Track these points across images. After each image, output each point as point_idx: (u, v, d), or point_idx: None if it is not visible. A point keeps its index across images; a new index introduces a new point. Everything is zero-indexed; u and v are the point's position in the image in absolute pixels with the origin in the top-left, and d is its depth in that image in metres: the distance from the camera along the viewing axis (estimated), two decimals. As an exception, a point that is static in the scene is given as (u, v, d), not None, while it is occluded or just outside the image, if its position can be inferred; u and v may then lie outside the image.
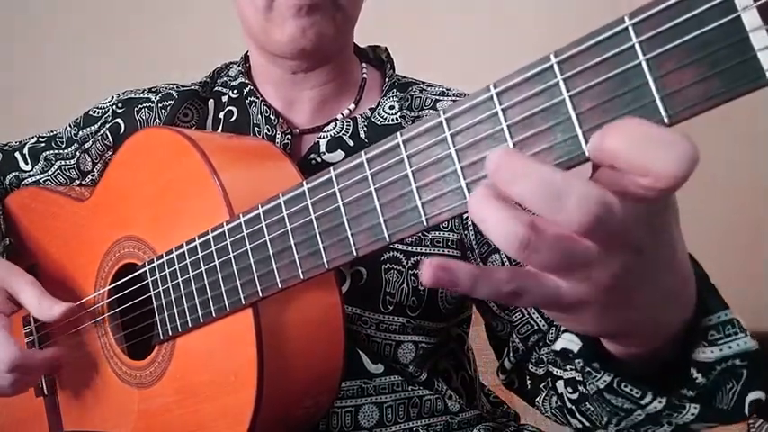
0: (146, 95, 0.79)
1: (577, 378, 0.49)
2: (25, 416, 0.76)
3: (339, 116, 0.73)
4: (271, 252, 0.47)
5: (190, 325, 0.55)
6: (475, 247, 0.69)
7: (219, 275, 0.52)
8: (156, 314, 0.58)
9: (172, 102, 0.77)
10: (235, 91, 0.76)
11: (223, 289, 0.52)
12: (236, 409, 0.53)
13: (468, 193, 0.35)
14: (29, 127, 0.89)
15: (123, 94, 0.81)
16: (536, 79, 0.32)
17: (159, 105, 0.77)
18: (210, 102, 0.78)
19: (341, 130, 0.71)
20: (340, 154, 0.70)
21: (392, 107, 0.73)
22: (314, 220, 0.43)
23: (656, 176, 0.27)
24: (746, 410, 0.41)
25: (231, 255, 0.50)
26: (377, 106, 0.73)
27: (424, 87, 0.77)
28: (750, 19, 0.26)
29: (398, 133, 0.38)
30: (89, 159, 0.81)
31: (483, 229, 0.30)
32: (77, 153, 0.81)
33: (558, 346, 0.45)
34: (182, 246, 0.55)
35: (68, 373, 0.71)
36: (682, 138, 0.27)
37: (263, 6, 0.65)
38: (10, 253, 0.77)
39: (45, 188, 0.79)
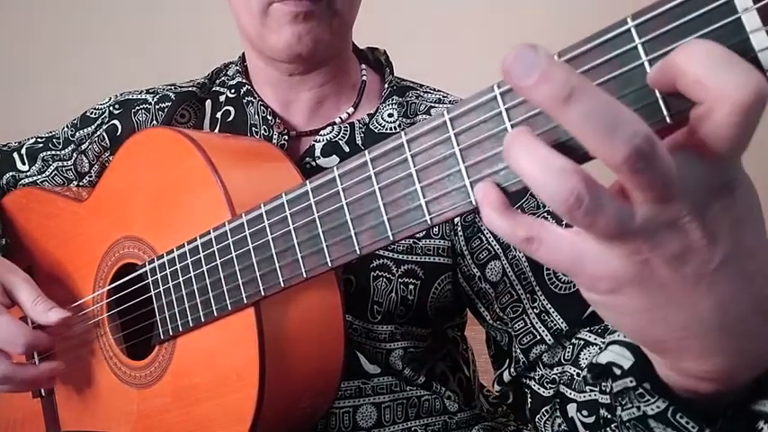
0: (143, 96, 0.79)
1: (601, 400, 0.45)
2: (22, 416, 0.76)
3: (337, 120, 0.73)
4: (273, 251, 0.47)
5: (191, 324, 0.55)
6: (466, 253, 0.68)
7: (221, 275, 0.52)
8: (157, 314, 0.58)
9: (169, 103, 0.77)
10: (232, 91, 0.76)
11: (225, 288, 0.52)
12: (237, 408, 0.53)
13: (473, 192, 0.36)
14: (29, 127, 0.89)
15: (120, 95, 0.81)
16: (540, 79, 0.33)
17: (156, 107, 0.77)
18: (208, 102, 0.78)
19: (337, 135, 0.71)
20: (335, 159, 0.70)
21: (391, 115, 0.72)
22: (317, 219, 0.44)
23: (719, 98, 0.24)
24: None
25: (233, 254, 0.50)
26: (375, 112, 0.73)
27: (421, 93, 0.76)
28: (750, 21, 0.27)
29: (402, 132, 0.38)
30: (86, 160, 0.81)
31: (527, 182, 0.27)
32: (74, 154, 0.81)
33: (603, 359, 0.40)
34: (183, 245, 0.55)
35: (67, 373, 0.70)
36: (754, 68, 0.25)
37: (258, 12, 0.65)
38: (7, 253, 0.77)
39: (42, 188, 0.79)
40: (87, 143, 0.80)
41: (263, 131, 0.72)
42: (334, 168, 0.42)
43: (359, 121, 0.72)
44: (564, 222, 0.53)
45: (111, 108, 0.80)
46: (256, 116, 0.73)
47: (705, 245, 0.28)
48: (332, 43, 0.68)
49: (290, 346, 0.53)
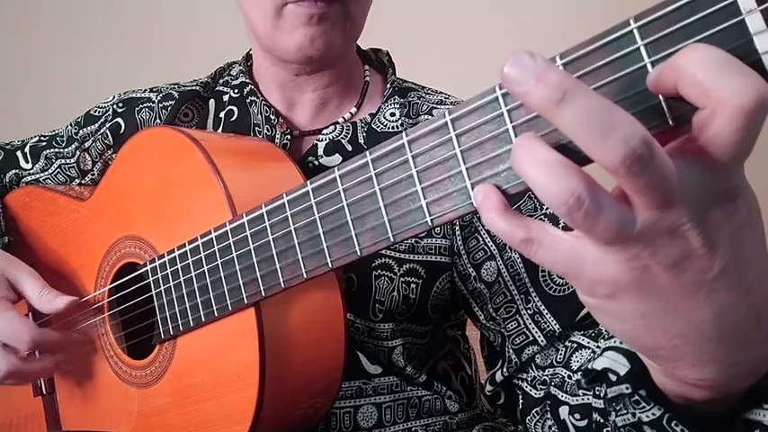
0: (147, 95, 0.79)
1: (595, 405, 0.45)
2: (23, 415, 0.76)
3: (340, 119, 0.73)
4: (274, 251, 0.47)
5: (191, 324, 0.55)
6: (463, 252, 0.68)
7: (222, 275, 0.52)
8: (158, 313, 0.58)
9: (172, 102, 0.77)
10: (236, 90, 0.76)
11: (225, 288, 0.52)
12: (237, 408, 0.53)
13: (473, 193, 0.35)
14: (28, 127, 0.89)
15: (124, 93, 0.81)
16: (542, 81, 0.32)
17: (160, 105, 0.77)
18: (211, 101, 0.78)
19: (340, 134, 0.71)
20: (338, 158, 0.70)
21: (393, 114, 0.72)
22: (318, 220, 0.44)
23: (720, 103, 0.24)
24: None
25: (234, 254, 0.50)
26: (377, 112, 0.73)
27: (423, 94, 0.76)
28: (754, 22, 0.27)
29: (404, 133, 0.38)
30: (89, 158, 0.81)
31: (529, 183, 0.27)
32: (77, 152, 0.81)
33: (598, 364, 0.40)
34: (184, 245, 0.55)
35: (68, 372, 0.71)
36: (756, 73, 0.25)
37: (271, 12, 0.64)
38: (9, 251, 0.77)
39: (45, 187, 0.79)
40: (90, 141, 0.80)
41: (265, 131, 0.72)
42: (335, 169, 0.42)
43: (361, 120, 0.72)
44: (562, 224, 0.53)
45: (114, 106, 0.80)
46: (259, 116, 0.73)
47: (705, 253, 0.28)
48: (343, 46, 0.68)
49: (290, 347, 0.53)
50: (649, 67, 0.29)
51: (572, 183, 0.26)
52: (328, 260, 0.44)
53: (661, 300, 0.29)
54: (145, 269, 0.59)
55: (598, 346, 0.54)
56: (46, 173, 0.82)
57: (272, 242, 0.47)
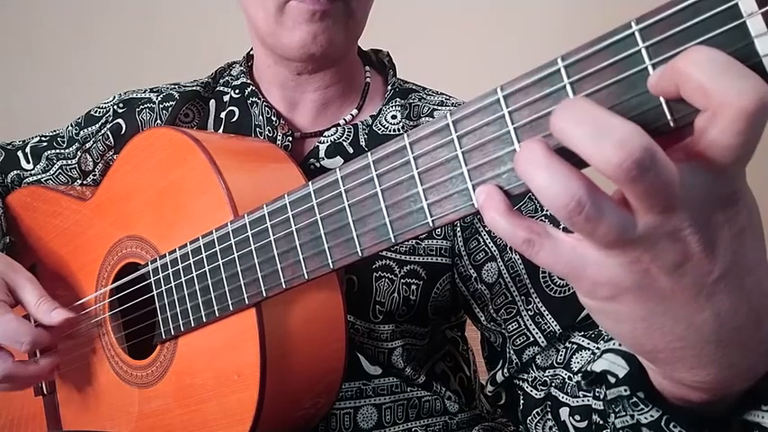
0: (147, 95, 0.79)
1: (594, 406, 0.45)
2: (24, 415, 0.76)
3: (341, 121, 0.73)
4: (276, 252, 0.47)
5: (192, 325, 0.55)
6: (464, 254, 0.68)
7: (223, 275, 0.52)
8: (159, 314, 0.58)
9: (173, 102, 0.77)
10: (237, 91, 0.76)
11: (227, 289, 0.52)
12: (238, 408, 0.53)
13: (475, 194, 0.36)
14: (29, 127, 0.89)
15: (125, 93, 0.81)
16: (543, 82, 0.33)
17: (161, 106, 0.77)
18: (212, 102, 0.78)
19: (341, 136, 0.71)
20: (339, 160, 0.70)
21: (394, 116, 0.72)
22: (319, 221, 0.44)
23: (722, 105, 0.24)
24: None
25: (235, 255, 0.51)
26: (378, 114, 0.73)
27: (424, 96, 0.76)
28: (755, 25, 0.27)
29: (405, 135, 0.38)
30: (90, 159, 0.81)
31: (531, 186, 0.27)
32: (78, 153, 0.81)
33: (597, 366, 0.40)
34: (185, 245, 0.55)
35: (68, 372, 0.71)
36: (757, 75, 0.25)
37: (274, 9, 0.64)
38: (11, 251, 0.77)
39: (46, 187, 0.79)
40: (92, 142, 0.80)
41: (267, 132, 0.72)
42: (337, 170, 0.42)
43: (362, 122, 0.72)
44: (563, 226, 0.53)
45: (115, 107, 0.80)
46: (261, 117, 0.73)
47: (705, 257, 0.28)
48: (344, 44, 0.68)
49: (291, 347, 0.54)
50: (650, 69, 0.29)
51: (572, 186, 0.27)
52: (329, 261, 0.44)
53: (661, 303, 0.29)
54: (146, 269, 0.59)
55: (598, 348, 0.54)
56: (47, 173, 0.82)
57: (273, 243, 0.47)
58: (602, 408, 0.43)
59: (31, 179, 0.83)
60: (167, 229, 0.59)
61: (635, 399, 0.37)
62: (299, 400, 0.57)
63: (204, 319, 0.54)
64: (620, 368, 0.39)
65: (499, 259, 0.65)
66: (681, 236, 0.28)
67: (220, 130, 0.75)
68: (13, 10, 1.35)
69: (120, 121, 0.79)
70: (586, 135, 0.26)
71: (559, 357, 0.58)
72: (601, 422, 0.44)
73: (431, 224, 0.37)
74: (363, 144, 0.71)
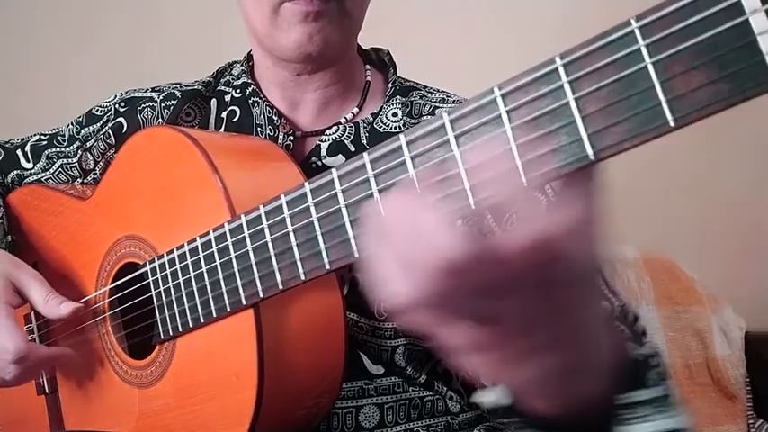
0: (149, 95, 0.79)
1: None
2: (27, 414, 0.76)
3: (342, 120, 0.73)
4: (272, 253, 0.47)
5: (190, 325, 0.55)
6: None
7: (221, 275, 0.51)
8: (157, 314, 0.58)
9: (175, 101, 0.77)
10: (238, 90, 0.76)
11: (224, 289, 0.51)
12: (236, 409, 0.53)
13: (472, 194, 0.35)
14: (28, 127, 0.89)
15: (126, 93, 0.81)
16: (541, 81, 0.32)
17: (162, 105, 0.77)
18: (213, 101, 0.78)
19: (342, 135, 0.71)
20: (341, 159, 0.69)
21: (395, 114, 0.72)
22: (316, 222, 0.43)
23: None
24: None
25: (232, 255, 0.50)
26: (379, 112, 0.73)
27: (425, 93, 0.76)
28: (758, 22, 0.26)
29: (402, 135, 0.38)
30: (91, 158, 0.81)
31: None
32: (79, 151, 0.81)
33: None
34: (183, 246, 0.55)
35: (70, 371, 0.71)
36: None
37: (269, 11, 0.64)
38: (12, 250, 0.77)
39: (47, 186, 0.79)
40: (93, 141, 0.80)
41: (268, 132, 0.72)
42: (333, 170, 0.42)
43: (363, 120, 0.72)
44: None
45: (116, 106, 0.80)
46: (262, 116, 0.73)
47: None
48: (341, 43, 0.68)
49: (289, 347, 0.53)
50: (650, 67, 0.29)
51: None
52: (326, 262, 0.43)
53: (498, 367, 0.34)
54: (144, 269, 0.59)
55: None
56: (47, 172, 0.82)
57: (270, 243, 0.47)
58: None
59: (31, 178, 0.83)
60: (165, 228, 0.59)
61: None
62: (299, 400, 0.57)
63: (202, 320, 0.54)
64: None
65: None
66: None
67: (222, 130, 0.75)
68: (14, 9, 1.35)
69: (121, 119, 0.79)
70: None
71: None
72: None
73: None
74: (365, 142, 0.71)
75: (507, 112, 0.33)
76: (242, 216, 0.49)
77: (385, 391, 0.66)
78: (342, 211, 0.41)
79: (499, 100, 0.33)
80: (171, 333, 0.57)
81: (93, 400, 0.68)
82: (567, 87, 0.31)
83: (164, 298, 0.57)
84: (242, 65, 0.79)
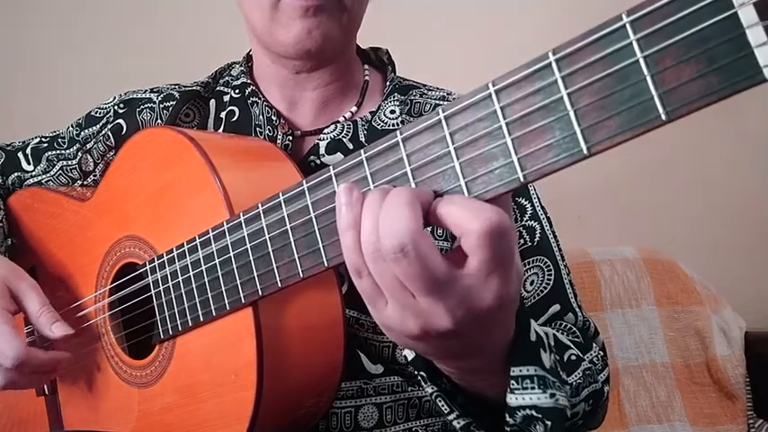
0: (147, 96, 0.80)
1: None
2: (26, 415, 0.76)
3: (341, 118, 0.73)
4: (270, 250, 0.47)
5: (190, 324, 0.55)
6: None
7: (219, 274, 0.52)
8: (157, 313, 0.58)
9: (173, 102, 0.77)
10: (237, 91, 0.76)
11: (223, 288, 0.52)
12: (236, 408, 0.53)
13: (467, 190, 0.35)
14: (29, 127, 0.89)
15: (125, 94, 0.81)
16: (534, 77, 0.32)
17: (161, 106, 0.77)
18: (212, 102, 0.78)
19: (341, 133, 0.71)
20: (339, 157, 0.70)
21: (393, 111, 0.73)
22: (313, 219, 0.43)
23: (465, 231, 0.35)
24: None
25: (231, 253, 0.50)
26: (377, 110, 0.73)
27: (425, 91, 0.76)
28: (746, 15, 0.26)
29: (398, 132, 0.38)
30: (91, 160, 0.81)
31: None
32: (79, 153, 0.82)
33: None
34: (182, 245, 0.55)
35: (69, 372, 0.71)
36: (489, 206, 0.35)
37: (268, 7, 0.65)
38: (12, 253, 0.77)
39: (47, 188, 0.80)
40: (92, 142, 0.80)
41: (267, 132, 0.72)
42: (330, 168, 0.42)
43: (362, 118, 0.72)
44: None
45: (115, 107, 0.80)
46: (261, 116, 0.73)
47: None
48: (340, 40, 0.68)
49: (288, 346, 0.53)
50: (642, 61, 0.29)
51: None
52: (324, 259, 0.44)
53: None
54: (144, 269, 0.59)
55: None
56: (48, 175, 0.82)
57: (268, 241, 0.47)
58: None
59: (31, 180, 0.83)
60: (165, 228, 0.59)
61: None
62: (299, 399, 0.57)
63: (201, 319, 0.54)
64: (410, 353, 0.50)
65: None
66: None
67: (220, 130, 0.75)
68: (13, 10, 1.35)
69: (120, 121, 0.79)
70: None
71: None
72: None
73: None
74: (363, 140, 0.71)
75: (501, 107, 0.33)
76: (240, 214, 0.50)
77: (384, 390, 0.66)
78: (339, 208, 0.41)
79: (493, 96, 0.34)
80: (170, 332, 0.57)
81: (93, 400, 0.68)
82: (560, 82, 0.31)
83: (163, 297, 0.57)
84: (241, 65, 0.79)
